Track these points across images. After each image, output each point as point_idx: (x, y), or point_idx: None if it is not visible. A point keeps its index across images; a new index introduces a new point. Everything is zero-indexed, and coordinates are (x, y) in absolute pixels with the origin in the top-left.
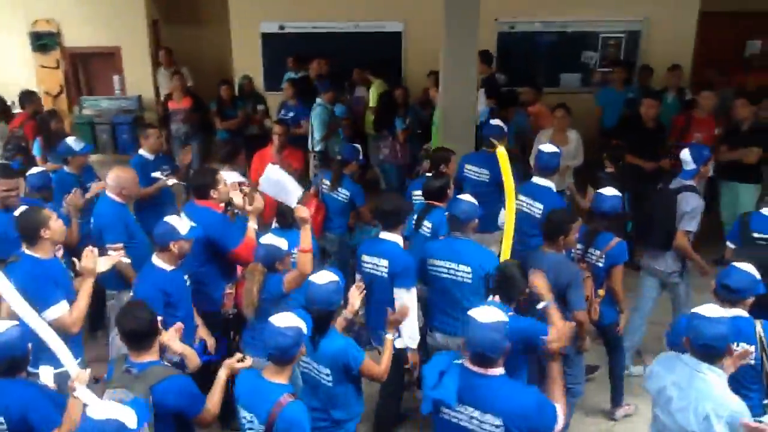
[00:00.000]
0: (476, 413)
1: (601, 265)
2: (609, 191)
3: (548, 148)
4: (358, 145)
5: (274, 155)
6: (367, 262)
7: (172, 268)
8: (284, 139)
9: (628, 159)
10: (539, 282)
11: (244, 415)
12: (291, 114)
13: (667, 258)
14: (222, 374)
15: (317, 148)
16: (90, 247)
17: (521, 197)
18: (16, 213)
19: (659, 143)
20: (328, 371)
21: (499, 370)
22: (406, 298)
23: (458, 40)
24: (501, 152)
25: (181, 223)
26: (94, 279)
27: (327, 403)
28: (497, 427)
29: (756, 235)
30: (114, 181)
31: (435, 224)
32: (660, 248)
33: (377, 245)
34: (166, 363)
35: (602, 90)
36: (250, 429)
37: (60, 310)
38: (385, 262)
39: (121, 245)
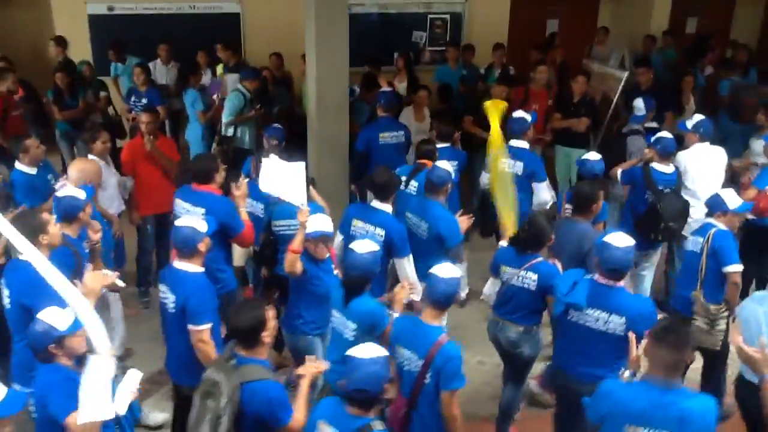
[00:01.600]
0: (603, 314)
1: None
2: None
3: (517, 114)
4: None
5: (145, 145)
6: (360, 227)
7: (202, 270)
8: (154, 127)
9: (471, 129)
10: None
11: (402, 352)
12: (144, 101)
13: None
14: (305, 384)
15: (225, 133)
16: (103, 270)
17: (503, 159)
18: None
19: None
20: (354, 327)
21: (622, 283)
22: (408, 268)
23: (329, 21)
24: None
25: (198, 222)
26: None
27: None
28: (621, 324)
29: None
30: (79, 173)
31: (421, 184)
32: None
33: (372, 214)
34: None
35: (440, 68)
36: (408, 365)
37: None
38: (381, 231)
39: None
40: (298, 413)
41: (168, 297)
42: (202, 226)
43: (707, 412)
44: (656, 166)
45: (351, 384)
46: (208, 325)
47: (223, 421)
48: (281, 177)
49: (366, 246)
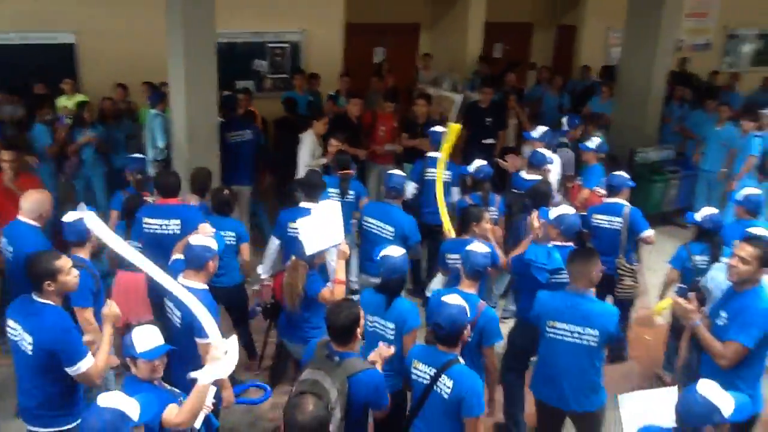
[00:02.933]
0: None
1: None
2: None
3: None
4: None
5: (7, 185)
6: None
7: (205, 287)
8: (17, 165)
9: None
10: None
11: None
12: None
13: None
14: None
15: (160, 158)
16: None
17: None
18: None
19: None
20: (393, 326)
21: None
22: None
23: (198, 53)
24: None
25: (209, 241)
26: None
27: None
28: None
29: None
30: (34, 204)
31: (357, 191)
32: None
33: (306, 214)
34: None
35: (287, 93)
36: None
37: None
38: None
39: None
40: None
41: (174, 312)
42: (214, 244)
43: (607, 313)
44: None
45: (440, 321)
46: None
47: (336, 413)
48: (319, 229)
49: (397, 251)
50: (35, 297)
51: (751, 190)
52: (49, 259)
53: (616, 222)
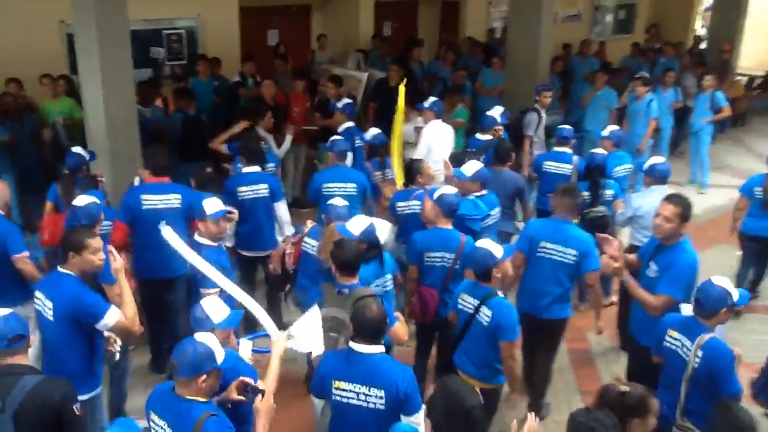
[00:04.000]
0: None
1: None
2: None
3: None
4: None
5: None
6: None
7: (215, 245)
8: None
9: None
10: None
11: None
12: None
13: None
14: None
15: None
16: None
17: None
18: None
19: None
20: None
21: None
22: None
23: (113, 42)
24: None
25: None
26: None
27: None
28: None
29: None
30: None
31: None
32: None
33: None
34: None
35: (194, 81)
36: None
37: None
38: (264, 186)
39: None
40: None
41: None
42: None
43: (585, 237)
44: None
45: (474, 259)
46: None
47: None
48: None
49: (486, 243)
50: (59, 268)
51: (657, 159)
52: (82, 234)
53: (565, 168)
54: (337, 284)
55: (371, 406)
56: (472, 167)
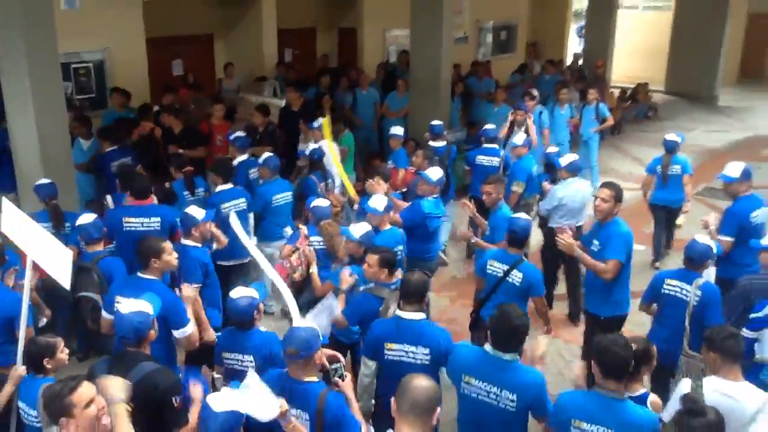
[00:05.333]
0: None
1: None
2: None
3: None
4: None
5: None
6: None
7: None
8: None
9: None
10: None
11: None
12: None
13: None
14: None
15: None
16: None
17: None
18: None
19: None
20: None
21: None
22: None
23: (44, 76)
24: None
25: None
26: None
27: None
28: None
29: None
30: None
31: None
32: None
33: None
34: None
35: (106, 112)
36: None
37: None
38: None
39: None
40: None
41: None
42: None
43: (508, 216)
44: None
45: (512, 227)
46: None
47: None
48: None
49: (360, 228)
50: (140, 275)
51: (571, 157)
52: (156, 240)
53: (494, 161)
54: (383, 284)
55: (418, 362)
56: (435, 173)
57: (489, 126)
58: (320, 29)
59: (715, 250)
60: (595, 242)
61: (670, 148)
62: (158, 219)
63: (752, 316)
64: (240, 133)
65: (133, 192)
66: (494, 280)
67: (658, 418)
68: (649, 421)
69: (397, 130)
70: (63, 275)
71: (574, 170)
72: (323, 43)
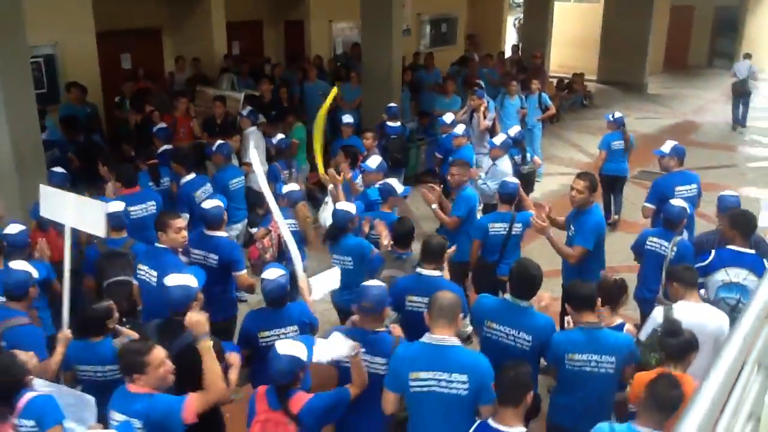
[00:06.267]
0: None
1: None
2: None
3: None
4: None
5: None
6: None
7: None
8: None
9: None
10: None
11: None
12: None
13: None
14: None
15: None
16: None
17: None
18: None
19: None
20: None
21: None
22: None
23: (13, 71)
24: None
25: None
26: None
27: None
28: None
29: None
30: None
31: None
32: None
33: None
34: None
35: (64, 106)
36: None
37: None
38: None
39: None
40: None
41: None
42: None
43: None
44: None
45: (505, 189)
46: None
47: None
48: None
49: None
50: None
51: (502, 136)
52: (167, 214)
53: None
54: (396, 252)
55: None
56: (374, 161)
57: (446, 116)
58: (266, 22)
59: (688, 212)
60: (572, 227)
61: (621, 123)
62: (153, 202)
63: (697, 265)
64: (163, 124)
65: (123, 181)
66: (500, 239)
67: (634, 339)
68: (626, 341)
69: (348, 119)
70: (99, 226)
71: (505, 148)
72: (270, 36)
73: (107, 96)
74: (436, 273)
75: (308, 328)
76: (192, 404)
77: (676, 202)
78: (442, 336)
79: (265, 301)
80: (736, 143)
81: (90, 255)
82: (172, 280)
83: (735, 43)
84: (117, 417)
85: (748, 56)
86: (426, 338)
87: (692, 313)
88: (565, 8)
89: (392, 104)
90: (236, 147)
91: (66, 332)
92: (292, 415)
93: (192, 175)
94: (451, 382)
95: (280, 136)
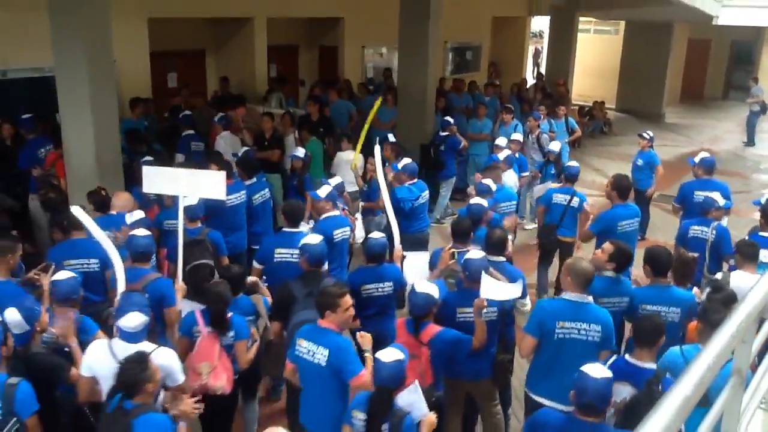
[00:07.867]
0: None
1: None
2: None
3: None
4: None
5: None
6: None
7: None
8: None
9: None
10: None
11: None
12: None
13: None
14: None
15: None
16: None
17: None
18: None
19: None
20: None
21: None
22: None
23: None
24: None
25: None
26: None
27: None
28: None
29: None
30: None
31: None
32: None
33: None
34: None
35: (123, 122)
36: None
37: None
38: None
39: None
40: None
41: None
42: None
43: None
44: None
45: (569, 170)
46: None
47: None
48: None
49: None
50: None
51: (507, 151)
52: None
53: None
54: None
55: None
56: (402, 162)
57: (499, 140)
58: (303, 46)
59: (722, 203)
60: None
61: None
62: (244, 191)
63: None
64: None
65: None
66: (561, 208)
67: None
68: (690, 296)
69: (392, 138)
70: (219, 191)
71: (509, 164)
72: (305, 60)
73: (165, 106)
74: (501, 259)
75: (399, 285)
76: (361, 378)
77: (701, 193)
78: (581, 294)
79: (366, 259)
80: (750, 171)
81: (170, 242)
82: (311, 238)
83: (750, 76)
84: (304, 344)
85: (755, 80)
86: (566, 296)
87: (746, 281)
88: (585, 39)
89: (448, 117)
90: (277, 158)
91: (181, 284)
92: (422, 342)
93: (253, 180)
94: (589, 331)
95: (301, 151)
